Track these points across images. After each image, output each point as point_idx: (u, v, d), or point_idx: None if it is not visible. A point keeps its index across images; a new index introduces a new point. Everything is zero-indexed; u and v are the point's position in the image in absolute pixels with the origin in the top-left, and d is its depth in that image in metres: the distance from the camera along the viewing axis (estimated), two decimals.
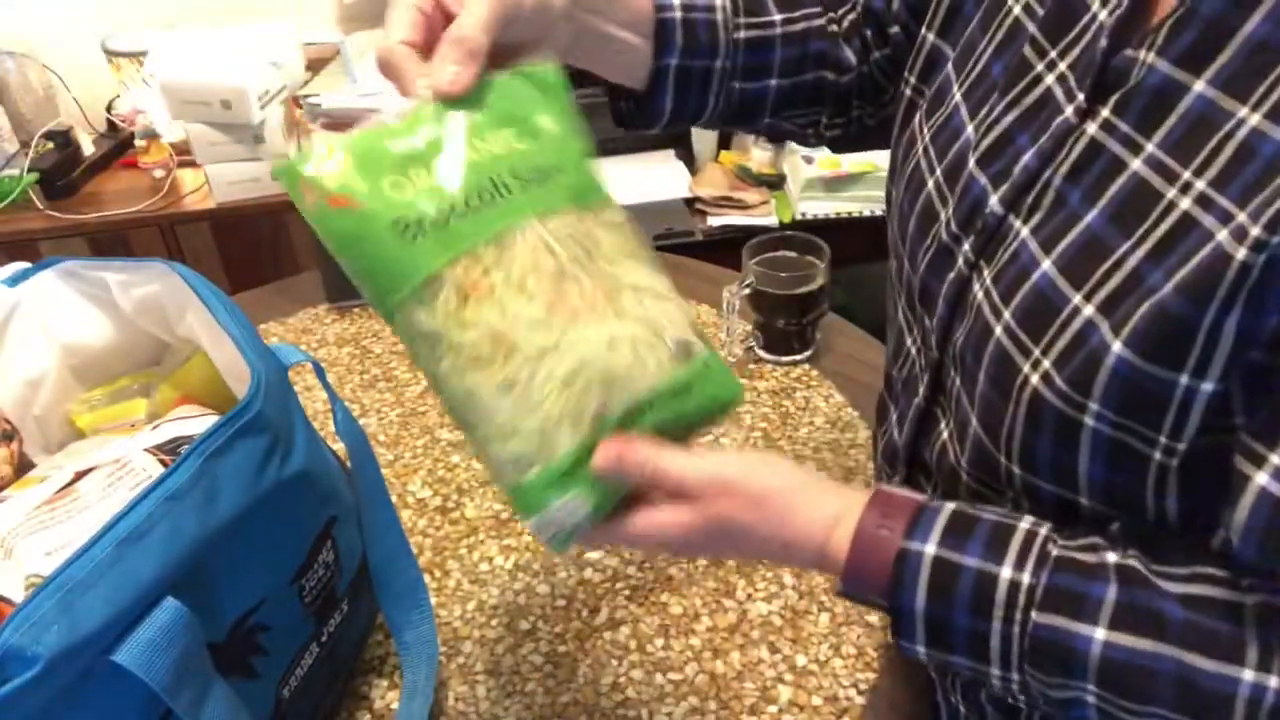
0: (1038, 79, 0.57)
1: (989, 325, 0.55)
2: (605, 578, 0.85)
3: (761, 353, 1.09)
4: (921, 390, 0.66)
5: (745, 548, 0.56)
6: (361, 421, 1.00)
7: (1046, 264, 0.52)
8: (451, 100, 0.51)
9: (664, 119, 0.74)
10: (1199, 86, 0.47)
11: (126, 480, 0.59)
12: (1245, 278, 0.42)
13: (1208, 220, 0.45)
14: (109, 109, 1.90)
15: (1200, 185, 0.46)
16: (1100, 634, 0.48)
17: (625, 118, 0.75)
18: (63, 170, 1.75)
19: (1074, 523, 0.54)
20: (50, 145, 1.76)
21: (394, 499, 0.86)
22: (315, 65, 1.92)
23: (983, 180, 0.58)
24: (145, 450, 0.61)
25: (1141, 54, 0.50)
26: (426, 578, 0.80)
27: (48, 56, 1.87)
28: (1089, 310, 0.49)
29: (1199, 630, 0.47)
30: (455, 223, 0.49)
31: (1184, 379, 0.45)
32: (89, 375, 0.75)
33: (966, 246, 0.59)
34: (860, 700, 0.75)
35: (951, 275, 0.60)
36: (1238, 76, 0.45)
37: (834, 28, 0.76)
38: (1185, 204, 0.46)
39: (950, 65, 0.67)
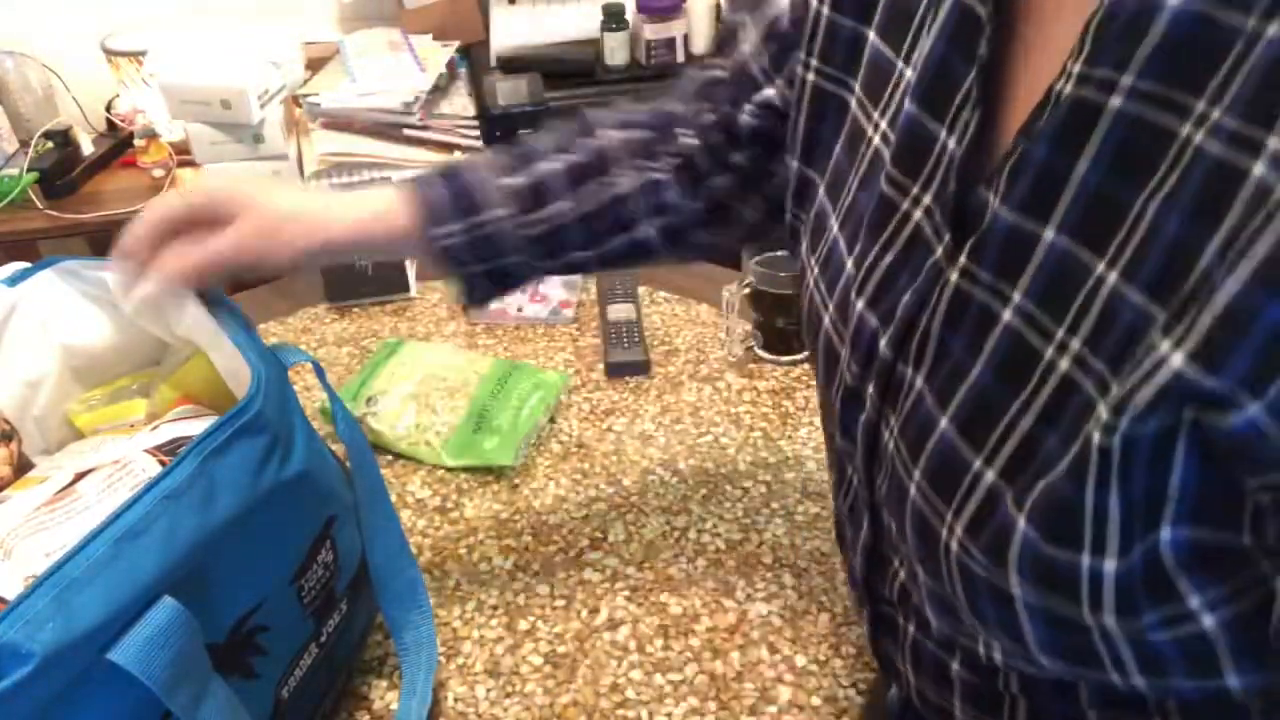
0: (906, 217, 0.52)
1: (903, 482, 0.52)
2: (605, 578, 0.85)
3: (761, 353, 1.09)
4: (865, 528, 0.61)
5: None
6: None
7: (944, 422, 0.48)
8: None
9: (488, 298, 0.76)
10: (1049, 234, 0.43)
11: (126, 481, 0.59)
12: (1108, 461, 0.39)
13: (1088, 385, 0.41)
14: (108, 109, 1.90)
15: (1075, 345, 0.42)
16: None
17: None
18: (62, 170, 1.75)
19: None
20: (50, 145, 1.76)
21: (393, 499, 0.86)
22: (315, 65, 1.92)
23: (873, 322, 0.54)
24: (145, 451, 0.61)
25: (990, 197, 0.45)
26: (426, 578, 0.80)
27: (47, 56, 1.87)
28: (989, 476, 0.46)
29: None
30: None
31: (1085, 559, 0.42)
32: (89, 376, 0.75)
33: (871, 389, 0.55)
34: (860, 700, 0.75)
35: (863, 418, 0.56)
36: (1084, 225, 0.41)
37: (672, 162, 0.72)
38: (1064, 365, 0.42)
39: (823, 193, 0.62)
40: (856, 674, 0.77)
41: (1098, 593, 0.42)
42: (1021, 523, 0.44)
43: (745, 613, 0.82)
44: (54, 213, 1.71)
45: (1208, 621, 0.42)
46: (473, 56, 1.98)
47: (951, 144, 0.48)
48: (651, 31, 1.89)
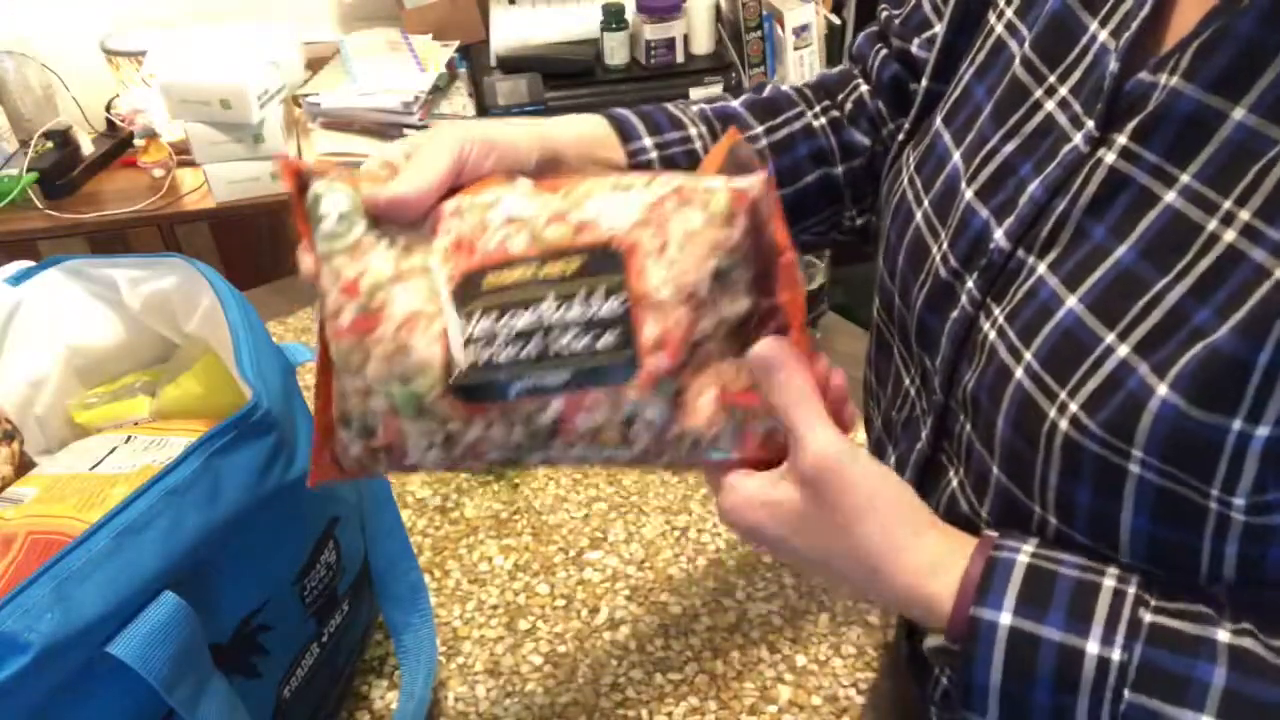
0: (1037, 105, 0.54)
1: (1007, 367, 0.51)
2: (605, 578, 0.85)
3: None
4: (925, 435, 0.61)
5: (831, 559, 0.49)
6: None
7: (1072, 301, 0.48)
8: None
9: None
10: (1238, 114, 0.44)
11: None
12: None
13: (1258, 254, 0.42)
14: (108, 108, 1.90)
15: (1245, 216, 0.43)
16: None
17: None
18: (62, 170, 1.75)
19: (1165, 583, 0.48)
20: (49, 145, 1.76)
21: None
22: (315, 64, 1.92)
23: (984, 214, 0.55)
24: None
25: (1162, 78, 0.46)
26: (426, 577, 0.80)
27: (47, 56, 1.87)
28: (1123, 350, 0.46)
29: None
30: None
31: (1236, 424, 0.42)
32: (92, 375, 0.75)
33: (970, 284, 0.55)
34: (860, 700, 0.75)
35: (955, 314, 0.56)
36: (1278, 103, 0.42)
37: (828, 116, 0.72)
38: (1229, 236, 0.43)
39: (924, 84, 0.64)
40: (857, 674, 0.77)
41: (1239, 464, 0.43)
42: (1162, 389, 0.44)
43: (745, 612, 0.82)
44: (54, 213, 1.71)
45: None
46: (473, 56, 1.98)
47: (1104, 35, 0.50)
48: (651, 31, 1.89)
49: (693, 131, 0.68)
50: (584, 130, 0.65)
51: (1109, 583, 0.47)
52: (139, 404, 0.72)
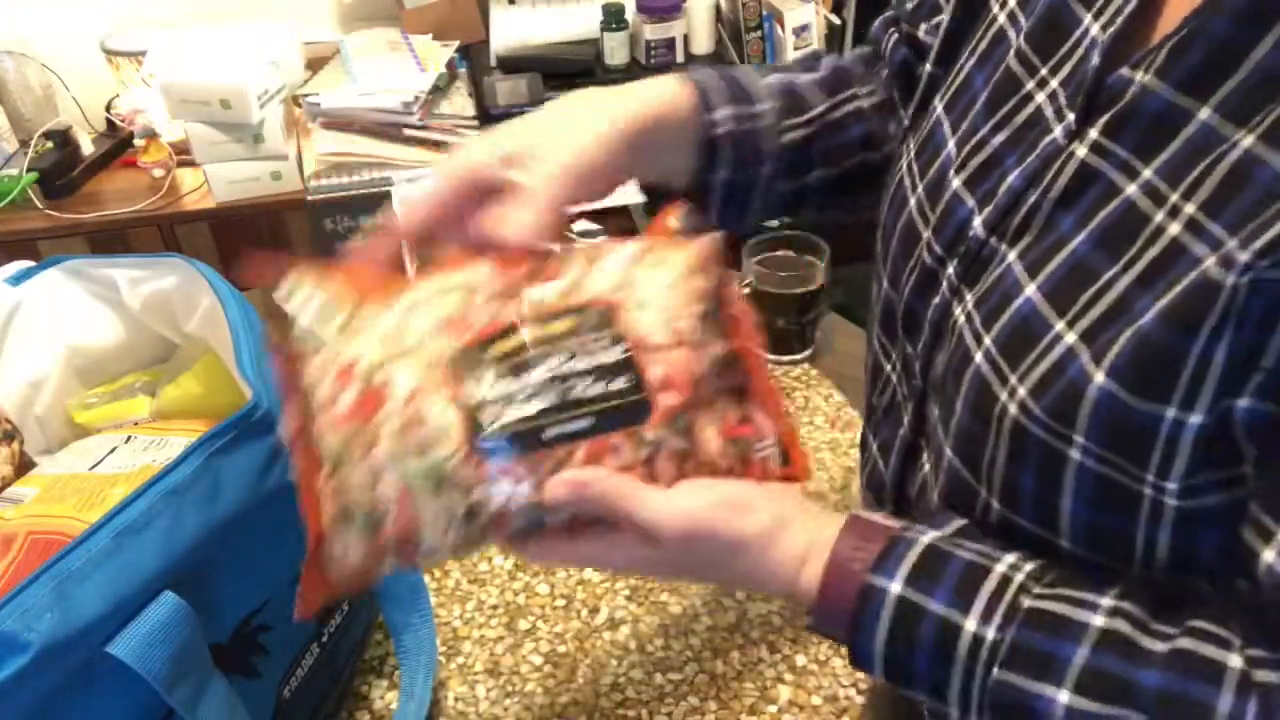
0: (1028, 97, 0.54)
1: (969, 352, 0.53)
2: (605, 577, 0.85)
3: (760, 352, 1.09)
4: (906, 420, 0.62)
5: (712, 581, 0.55)
6: None
7: (1031, 289, 0.50)
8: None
9: (710, 224, 0.71)
10: (1203, 114, 0.44)
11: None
12: (1232, 304, 0.41)
13: (1197, 248, 0.43)
14: (108, 108, 1.90)
15: (1189, 210, 0.44)
16: (1064, 697, 0.45)
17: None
18: (62, 170, 1.75)
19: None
20: (49, 145, 1.76)
21: None
22: (315, 64, 1.92)
23: (970, 202, 0.56)
24: None
25: (1139, 75, 0.47)
26: (426, 577, 0.80)
27: (47, 56, 1.87)
28: (1070, 337, 0.47)
29: (1172, 701, 0.44)
30: None
31: (1170, 411, 0.44)
32: (92, 375, 0.75)
33: (950, 270, 0.56)
34: (860, 700, 0.75)
35: (936, 300, 0.57)
36: (1243, 103, 0.43)
37: (874, 99, 0.73)
38: (1174, 229, 0.44)
39: (928, 68, 0.65)
40: (856, 674, 0.77)
41: (1172, 450, 0.44)
42: (1099, 377, 0.45)
43: (745, 612, 0.82)
44: (54, 213, 1.72)
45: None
46: (473, 56, 1.98)
47: (1095, 29, 0.50)
48: (651, 31, 1.89)
49: (766, 106, 0.68)
50: (664, 109, 0.64)
51: (1000, 568, 0.49)
52: (139, 404, 0.72)
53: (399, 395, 0.49)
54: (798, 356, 1.08)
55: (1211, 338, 0.42)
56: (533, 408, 0.49)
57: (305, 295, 0.52)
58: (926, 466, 0.61)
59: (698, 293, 0.52)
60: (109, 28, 1.88)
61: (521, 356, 0.50)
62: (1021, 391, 0.49)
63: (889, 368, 0.65)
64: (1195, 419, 0.43)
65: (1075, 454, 0.47)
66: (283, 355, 0.52)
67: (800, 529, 0.52)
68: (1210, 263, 0.42)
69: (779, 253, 1.07)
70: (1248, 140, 0.42)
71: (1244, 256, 0.40)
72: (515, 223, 0.55)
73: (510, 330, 0.51)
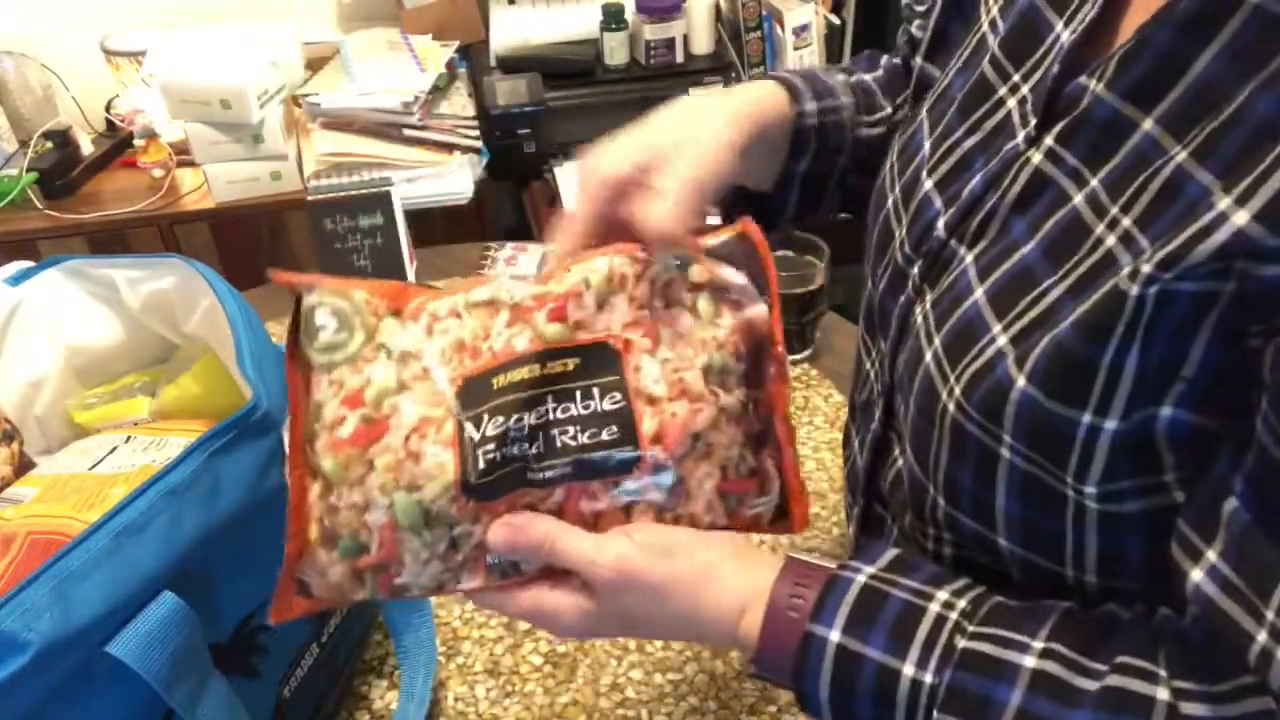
0: (1000, 102, 0.55)
1: (921, 351, 0.54)
2: None
3: None
4: (878, 415, 0.63)
5: (654, 634, 0.55)
6: None
7: (979, 292, 0.51)
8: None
9: (783, 219, 0.72)
10: (1147, 124, 0.45)
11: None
12: (1140, 315, 0.42)
13: (1124, 259, 0.43)
14: (108, 108, 1.90)
15: (1125, 222, 0.44)
16: None
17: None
18: (62, 170, 1.75)
19: (1010, 590, 0.51)
20: (49, 145, 1.76)
21: None
22: (315, 64, 1.92)
23: (937, 204, 0.56)
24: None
25: (1093, 84, 0.48)
26: None
27: (47, 56, 1.87)
28: (1002, 340, 0.48)
29: None
30: None
31: (1086, 417, 0.44)
32: (91, 375, 0.75)
33: (916, 270, 0.57)
34: None
35: (902, 299, 0.58)
36: (1181, 116, 0.43)
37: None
38: (1110, 241, 0.45)
39: (919, 62, 0.65)
40: None
41: (1089, 454, 0.45)
42: (1021, 380, 0.46)
43: None
44: (54, 213, 1.71)
45: (1179, 496, 0.45)
46: (473, 56, 1.98)
47: (1065, 35, 0.50)
48: (651, 31, 1.89)
49: (845, 100, 0.70)
50: (766, 106, 0.65)
51: (934, 607, 0.49)
52: (138, 404, 0.72)
53: (403, 427, 0.50)
54: (797, 356, 1.09)
55: (1121, 347, 0.43)
56: (518, 451, 0.50)
57: (330, 308, 0.52)
58: (899, 462, 0.61)
59: (705, 344, 0.52)
60: (109, 28, 1.88)
61: (523, 394, 0.50)
62: (958, 390, 0.50)
63: (869, 365, 0.66)
64: (1111, 424, 0.44)
65: (1005, 453, 0.48)
66: (297, 365, 0.52)
67: (733, 575, 0.52)
68: (1123, 274, 0.42)
69: (778, 253, 1.07)
70: (1182, 155, 0.42)
71: (1147, 268, 0.41)
72: (659, 213, 0.53)
73: (520, 361, 0.51)
